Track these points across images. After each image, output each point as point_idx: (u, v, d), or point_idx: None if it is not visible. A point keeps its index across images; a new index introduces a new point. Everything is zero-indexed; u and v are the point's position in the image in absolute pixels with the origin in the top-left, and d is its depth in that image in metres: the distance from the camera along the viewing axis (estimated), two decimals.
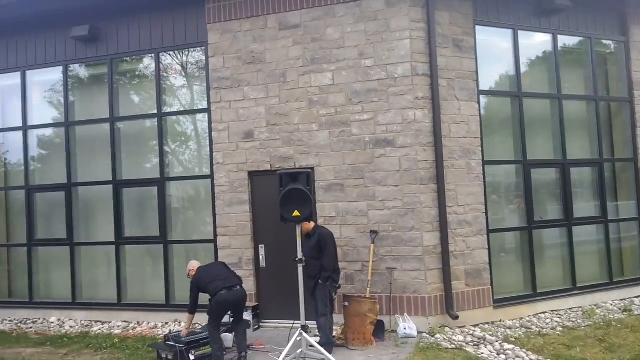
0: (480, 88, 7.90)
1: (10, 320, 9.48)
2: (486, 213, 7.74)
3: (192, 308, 6.55)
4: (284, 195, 5.98)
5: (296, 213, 5.96)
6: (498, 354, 6.39)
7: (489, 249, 7.72)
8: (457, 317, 7.22)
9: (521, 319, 7.72)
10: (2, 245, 9.96)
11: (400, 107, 7.39)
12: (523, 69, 8.43)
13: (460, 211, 7.52)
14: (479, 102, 7.81)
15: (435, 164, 7.37)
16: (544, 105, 8.70)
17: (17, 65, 9.70)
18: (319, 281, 6.60)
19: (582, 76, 9.12)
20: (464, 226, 7.54)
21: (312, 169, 7.64)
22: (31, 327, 9.04)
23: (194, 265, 6.86)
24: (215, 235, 8.35)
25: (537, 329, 7.31)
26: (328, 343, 6.47)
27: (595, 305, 8.34)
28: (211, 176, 8.40)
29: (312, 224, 6.77)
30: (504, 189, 8.37)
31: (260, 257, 8.13)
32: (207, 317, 6.50)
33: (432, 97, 7.39)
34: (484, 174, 7.76)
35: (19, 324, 9.25)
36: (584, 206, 8.86)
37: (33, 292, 9.62)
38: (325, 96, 7.75)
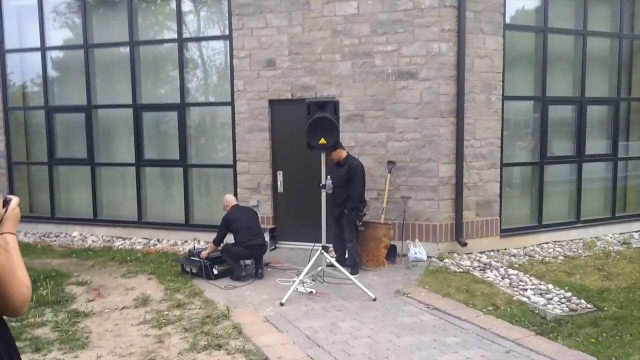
0: (507, 21, 7.87)
1: (33, 234, 9.90)
2: (501, 147, 7.94)
3: (218, 242, 6.95)
4: (311, 123, 6.13)
5: (322, 140, 6.13)
6: (502, 278, 6.79)
7: (500, 181, 7.98)
8: (465, 245, 7.60)
9: (525, 247, 8.12)
10: (22, 163, 10.22)
11: (425, 39, 7.40)
12: (550, 2, 8.34)
13: (476, 145, 7.72)
14: (504, 37, 7.80)
15: (456, 97, 7.49)
16: (567, 41, 8.69)
17: None
18: (344, 210, 6.90)
19: (608, 12, 9.02)
20: (479, 159, 7.76)
21: (337, 99, 7.76)
22: (54, 241, 9.46)
23: (230, 201, 7.19)
24: (235, 160, 8.58)
25: (540, 257, 7.72)
26: (354, 265, 6.90)
27: (596, 237, 8.73)
28: (231, 103, 8.51)
29: (344, 153, 6.98)
30: (521, 124, 8.52)
31: (278, 182, 8.41)
32: (215, 245, 6.93)
33: (458, 29, 7.38)
34: (502, 109, 7.89)
35: (43, 237, 9.67)
36: (596, 144, 9.06)
37: (55, 207, 9.98)
38: (349, 26, 7.73)
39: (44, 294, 6.20)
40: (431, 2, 7.36)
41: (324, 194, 6.38)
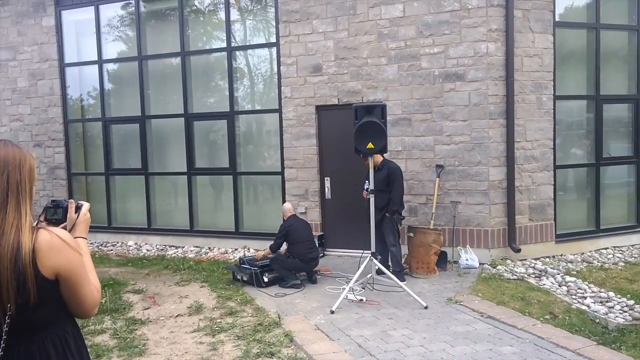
0: (557, 19, 7.63)
1: (91, 243, 10.27)
2: (554, 149, 7.69)
3: (275, 249, 7.06)
4: (359, 127, 6.11)
5: (370, 145, 6.10)
6: (560, 286, 6.56)
7: (554, 184, 7.73)
8: (519, 250, 7.38)
9: (582, 253, 7.82)
10: (80, 174, 10.66)
11: (472, 39, 7.27)
12: None
13: (527, 146, 7.50)
14: (554, 34, 7.57)
15: (505, 98, 7.31)
16: (621, 37, 8.35)
17: None
18: (386, 214, 6.85)
19: None
20: (531, 161, 7.54)
21: (384, 103, 7.72)
22: (111, 250, 9.81)
23: (289, 210, 7.28)
24: (283, 167, 8.67)
25: (599, 264, 7.41)
26: (400, 271, 6.85)
27: None
28: (279, 110, 8.61)
29: (380, 157, 6.95)
30: (574, 125, 8.23)
31: (326, 189, 8.43)
32: (271, 251, 7.04)
33: (506, 28, 7.22)
34: (554, 109, 7.64)
35: (100, 247, 10.04)
36: None
37: (111, 217, 10.35)
38: (395, 29, 7.68)
39: (103, 301, 6.40)
40: (478, 2, 7.22)
41: (372, 200, 6.34)
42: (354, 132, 6.12)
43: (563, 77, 7.88)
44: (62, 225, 2.03)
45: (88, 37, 10.12)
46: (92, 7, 9.95)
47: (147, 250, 9.54)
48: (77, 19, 10.28)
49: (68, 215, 2.05)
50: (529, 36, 7.42)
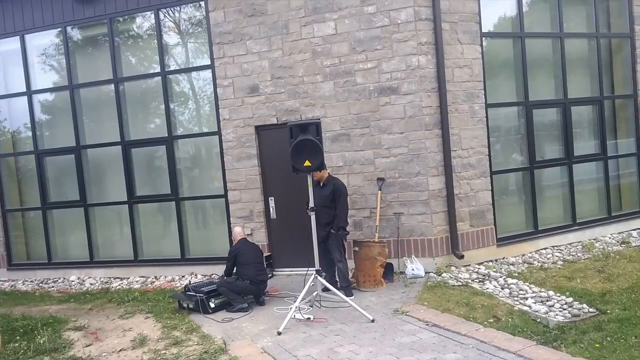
0: (483, 30, 7.91)
1: (31, 281, 9.83)
2: (489, 155, 7.92)
3: (228, 273, 7.02)
4: (295, 146, 6.11)
5: (307, 163, 6.10)
6: (502, 288, 6.70)
7: (492, 190, 7.94)
8: (462, 257, 7.52)
9: (523, 255, 8.04)
10: (16, 210, 10.19)
11: (403, 53, 7.44)
12: (525, 8, 8.43)
13: (464, 154, 7.69)
14: (481, 45, 7.84)
15: (439, 109, 7.49)
16: (545, 45, 8.75)
17: (15, 29, 9.65)
18: (331, 230, 6.86)
19: (583, 13, 9.11)
20: (468, 169, 7.73)
21: (319, 120, 7.75)
22: (52, 286, 9.39)
23: (238, 233, 7.26)
24: (226, 190, 8.55)
25: (539, 264, 7.63)
26: (347, 286, 6.86)
27: (594, 239, 8.65)
28: (218, 132, 8.52)
29: (326, 173, 6.98)
30: (507, 131, 8.51)
31: (271, 209, 8.36)
32: (225, 277, 6.98)
33: (436, 41, 7.42)
34: (487, 117, 7.89)
35: (40, 284, 9.60)
36: (584, 145, 9.05)
37: (51, 253, 9.93)
38: (328, 46, 7.77)
39: (42, 342, 6.13)
40: (406, 16, 7.41)
41: (313, 217, 6.33)
42: (290, 151, 6.12)
43: (493, 85, 8.16)
44: None
45: (15, 68, 9.77)
46: (17, 37, 9.62)
47: (91, 284, 9.18)
48: (2, 50, 9.91)
49: None
50: (457, 48, 7.66)
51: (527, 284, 6.74)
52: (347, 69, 7.72)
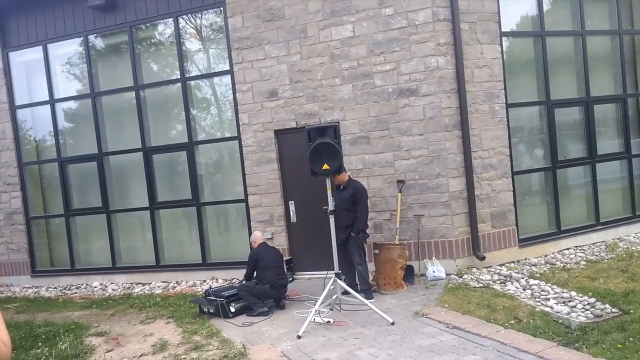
0: (502, 30, 7.82)
1: (54, 287, 9.95)
2: (510, 155, 7.80)
3: (249, 277, 7.03)
4: (313, 149, 6.10)
5: (325, 166, 6.09)
6: (524, 289, 6.58)
7: (513, 190, 7.82)
8: (483, 258, 7.40)
9: (546, 256, 7.89)
10: (39, 217, 10.36)
11: (422, 54, 7.38)
12: (545, 7, 8.32)
13: (484, 155, 7.59)
14: (501, 45, 7.75)
15: (459, 110, 7.41)
16: (567, 43, 8.61)
17: (38, 39, 9.85)
18: (351, 233, 6.81)
19: (606, 10, 8.96)
20: (489, 170, 7.63)
21: (338, 123, 7.72)
22: (75, 293, 9.49)
23: (258, 238, 7.26)
24: (246, 194, 8.57)
25: (562, 264, 7.49)
26: (368, 289, 6.79)
27: (618, 238, 8.46)
28: (238, 137, 8.56)
29: (346, 176, 6.94)
30: (528, 131, 8.38)
31: (291, 212, 8.36)
32: (245, 281, 7.03)
33: (454, 42, 7.36)
34: (507, 117, 7.78)
35: (64, 290, 9.71)
36: (607, 143, 8.87)
37: (74, 259, 10.05)
38: (346, 49, 7.76)
39: (63, 348, 6.18)
40: (424, 17, 7.36)
41: (332, 220, 6.30)
42: (308, 155, 6.11)
43: (514, 85, 8.06)
44: None
45: (38, 77, 9.98)
46: (40, 47, 9.82)
47: (113, 290, 9.26)
48: (25, 60, 10.13)
49: None
50: (477, 48, 7.58)
51: (549, 284, 6.60)
52: (366, 72, 7.69)
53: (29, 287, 10.13)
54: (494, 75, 7.67)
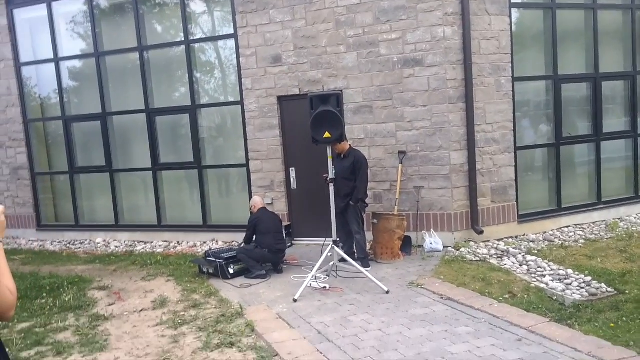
0: (512, 0, 7.67)
1: (59, 242, 10.16)
2: (514, 130, 7.77)
3: (248, 241, 7.14)
4: (315, 117, 6.10)
5: (327, 134, 6.10)
6: (520, 265, 6.66)
7: (515, 166, 7.82)
8: (481, 232, 7.47)
9: (544, 233, 7.94)
10: (44, 174, 10.48)
11: (429, 24, 7.28)
12: None
13: (488, 129, 7.57)
14: (510, 16, 7.62)
15: (464, 82, 7.35)
16: (577, 17, 8.46)
17: None
18: (350, 202, 6.88)
19: None
20: (492, 144, 7.62)
21: (341, 91, 7.71)
22: (79, 248, 9.70)
23: (258, 203, 7.32)
24: (247, 159, 8.62)
25: (560, 242, 7.54)
26: (365, 257, 6.90)
27: (619, 218, 8.47)
28: (241, 102, 8.55)
29: (347, 145, 6.97)
30: (534, 106, 8.32)
31: (291, 179, 8.42)
32: (245, 244, 7.13)
33: (462, 12, 7.23)
34: (513, 91, 7.72)
35: (68, 245, 9.93)
36: (614, 122, 8.80)
37: (78, 216, 10.22)
38: (352, 16, 7.66)
39: (67, 299, 6.38)
40: None
41: (331, 188, 6.36)
42: (310, 122, 6.12)
43: (521, 58, 7.96)
44: None
45: (43, 35, 9.92)
46: (45, 5, 9.74)
47: (116, 246, 9.45)
48: (30, 17, 10.05)
49: None
50: (485, 19, 7.46)
51: (546, 261, 6.67)
52: (371, 40, 7.61)
53: (34, 241, 10.34)
54: (502, 47, 7.57)
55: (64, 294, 6.55)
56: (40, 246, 10.02)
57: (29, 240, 10.38)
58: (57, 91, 10.02)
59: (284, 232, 7.39)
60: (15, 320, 5.75)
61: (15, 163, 10.40)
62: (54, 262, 8.62)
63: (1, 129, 10.38)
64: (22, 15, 10.07)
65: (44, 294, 6.65)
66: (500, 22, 7.54)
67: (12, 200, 10.52)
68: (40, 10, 9.81)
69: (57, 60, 9.89)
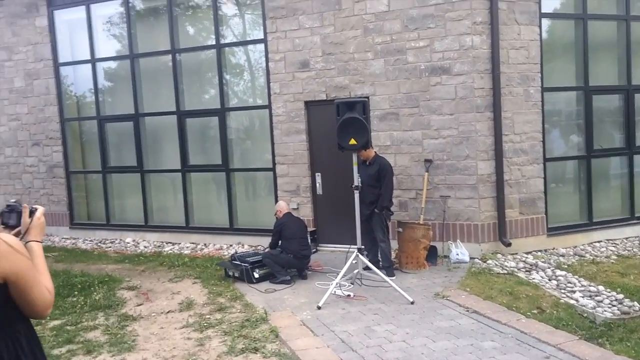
0: (543, 10, 7.59)
1: (90, 240, 10.43)
2: (543, 141, 7.67)
3: (273, 246, 7.23)
4: (341, 123, 6.15)
5: (352, 141, 6.14)
6: (549, 280, 6.54)
7: (544, 177, 7.72)
8: (509, 245, 7.39)
9: (575, 247, 7.80)
10: (78, 172, 10.77)
11: (457, 32, 7.26)
12: None
13: (516, 139, 7.50)
14: (540, 26, 7.54)
15: (492, 91, 7.30)
16: (609, 28, 8.31)
17: None
18: (375, 210, 6.90)
19: None
20: (520, 155, 7.54)
21: (367, 98, 7.73)
22: (110, 247, 9.93)
23: (283, 208, 7.40)
24: (274, 163, 8.72)
25: (591, 257, 7.38)
26: (389, 266, 6.92)
27: None
28: (269, 106, 8.65)
29: (372, 152, 6.99)
30: (564, 117, 8.20)
31: (317, 184, 8.48)
32: (270, 249, 7.21)
33: (491, 21, 7.19)
34: (542, 101, 7.62)
35: (99, 244, 10.17)
36: None
37: (109, 215, 10.47)
38: (380, 23, 7.68)
39: (97, 298, 6.55)
40: None
41: (357, 195, 6.39)
42: (336, 129, 6.16)
43: (551, 68, 7.85)
44: (16, 230, 2.10)
45: (81, 36, 10.18)
46: (84, 7, 10.01)
47: (145, 247, 9.65)
48: (69, 19, 10.34)
49: (22, 219, 2.12)
50: (514, 28, 7.39)
51: (577, 277, 6.54)
52: (399, 47, 7.61)
53: (67, 238, 10.64)
54: (531, 57, 7.48)
55: (95, 293, 6.73)
56: (73, 244, 10.31)
57: (62, 238, 10.69)
58: (93, 91, 10.28)
59: (309, 238, 7.45)
60: (48, 318, 5.91)
61: (51, 161, 10.72)
62: (85, 261, 8.85)
63: (39, 127, 10.71)
64: (62, 16, 10.37)
65: (76, 292, 6.84)
66: (529, 31, 7.46)
67: (47, 197, 10.85)
68: (79, 12, 10.08)
69: (93, 61, 10.16)
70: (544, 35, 7.66)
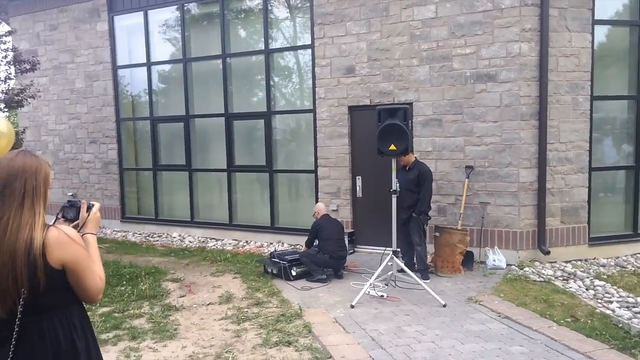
0: (596, 17, 7.45)
1: (139, 234, 10.92)
2: (590, 150, 7.52)
3: (309, 244, 7.44)
4: (382, 129, 6.25)
5: (392, 147, 6.23)
6: (587, 289, 6.43)
7: (589, 187, 7.56)
8: (548, 253, 7.28)
9: (617, 257, 7.60)
10: (131, 169, 11.31)
11: (505, 40, 7.23)
12: None
13: (561, 148, 7.38)
14: (592, 33, 7.40)
15: (538, 99, 7.22)
16: None
17: (140, 5, 10.57)
18: (413, 214, 6.96)
19: None
20: (565, 163, 7.41)
21: (411, 104, 7.80)
22: (157, 240, 10.36)
23: (321, 209, 7.58)
24: (316, 166, 8.90)
25: (633, 269, 7.20)
26: (424, 270, 6.97)
27: None
28: (313, 110, 8.85)
29: (412, 157, 7.06)
30: (613, 126, 7.99)
31: (357, 187, 8.60)
32: (306, 247, 7.43)
33: (541, 28, 7.12)
34: (591, 110, 7.47)
35: (147, 237, 10.63)
36: None
37: (158, 210, 10.94)
38: (427, 30, 7.74)
39: (144, 288, 6.87)
40: (511, 1, 7.17)
41: (394, 200, 6.48)
42: (377, 134, 6.27)
43: (602, 76, 7.69)
44: (75, 222, 2.35)
45: (138, 40, 10.72)
46: (142, 13, 10.53)
47: (190, 242, 10.02)
48: (128, 24, 10.90)
49: (80, 213, 2.37)
50: (565, 35, 7.29)
51: (615, 287, 6.40)
52: (445, 54, 7.65)
53: (118, 231, 11.19)
54: (581, 65, 7.36)
55: (141, 283, 7.06)
56: (123, 237, 10.82)
57: (114, 230, 11.24)
58: (147, 93, 10.80)
59: (345, 239, 7.57)
60: (98, 304, 6.26)
61: (107, 158, 11.30)
62: (134, 253, 9.28)
63: (97, 126, 11.33)
64: (121, 22, 10.95)
65: (124, 282, 7.19)
66: (581, 39, 7.34)
67: (102, 192, 11.44)
68: (137, 17, 10.63)
69: (149, 64, 10.67)
70: (596, 42, 7.51)
